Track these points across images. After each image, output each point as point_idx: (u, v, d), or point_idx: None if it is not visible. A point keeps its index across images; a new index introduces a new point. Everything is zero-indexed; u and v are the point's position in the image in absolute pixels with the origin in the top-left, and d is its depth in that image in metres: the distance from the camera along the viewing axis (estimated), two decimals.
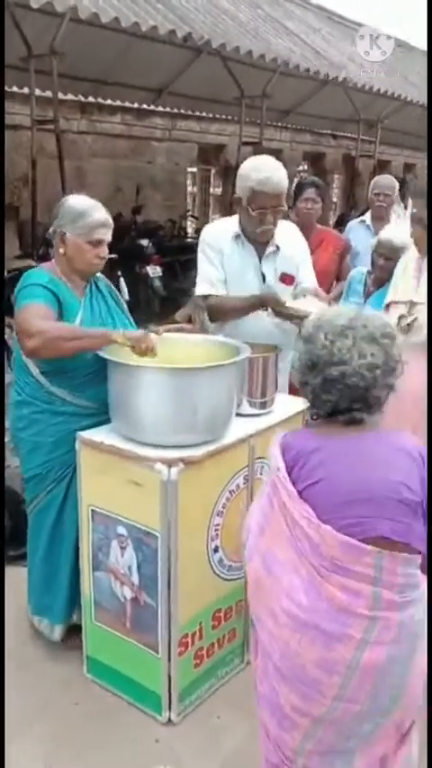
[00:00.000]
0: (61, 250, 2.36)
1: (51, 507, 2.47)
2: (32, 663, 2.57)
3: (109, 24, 5.55)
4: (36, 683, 2.47)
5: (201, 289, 2.78)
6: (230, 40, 6.75)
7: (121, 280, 6.63)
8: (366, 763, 1.53)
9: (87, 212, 2.32)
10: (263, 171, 2.57)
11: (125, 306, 2.62)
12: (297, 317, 2.53)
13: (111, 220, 2.38)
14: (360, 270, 3.28)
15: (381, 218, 4.24)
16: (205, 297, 2.77)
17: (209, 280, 2.76)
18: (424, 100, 10.03)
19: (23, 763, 2.12)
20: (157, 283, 7.44)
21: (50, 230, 2.40)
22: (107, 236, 2.36)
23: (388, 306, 2.39)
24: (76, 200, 2.37)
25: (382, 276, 2.95)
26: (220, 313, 2.75)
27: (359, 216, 5.06)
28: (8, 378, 3.72)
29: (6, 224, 7.88)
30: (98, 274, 2.51)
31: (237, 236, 2.74)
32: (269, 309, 2.63)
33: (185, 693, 2.31)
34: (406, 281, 2.38)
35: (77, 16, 5.41)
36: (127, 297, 6.66)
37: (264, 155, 2.78)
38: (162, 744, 2.23)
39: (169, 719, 2.29)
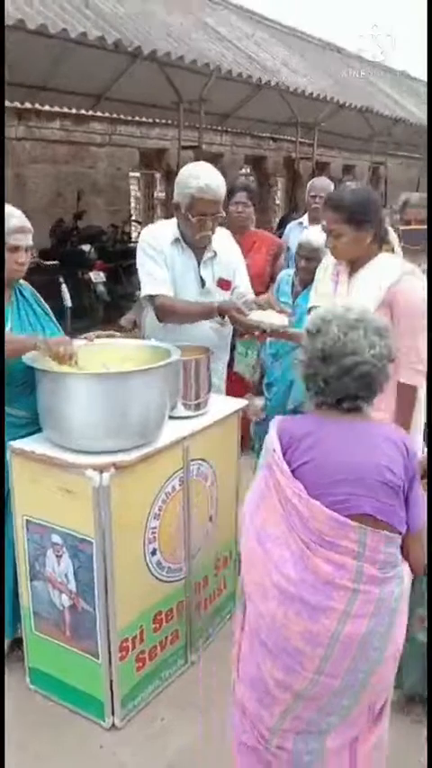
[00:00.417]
0: None
1: None
2: None
3: (36, 30, 5.49)
4: None
5: (147, 289, 2.72)
6: (162, 46, 6.78)
7: (63, 286, 6.56)
8: (339, 744, 1.61)
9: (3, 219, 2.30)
10: (202, 178, 2.60)
11: (51, 312, 2.61)
12: (257, 329, 2.54)
13: (29, 226, 2.36)
14: (287, 272, 3.35)
15: (317, 220, 4.32)
16: (152, 297, 2.72)
17: (155, 279, 2.71)
18: (358, 102, 10.27)
19: None
20: (101, 288, 7.40)
21: None
22: (25, 241, 2.34)
23: (310, 310, 2.44)
24: None
25: (305, 277, 3.03)
26: (171, 314, 2.70)
27: (299, 218, 5.16)
28: None
29: None
30: (21, 281, 2.49)
31: (176, 241, 2.76)
32: (225, 318, 2.62)
33: (128, 698, 2.31)
34: (324, 284, 2.44)
35: None
36: (69, 303, 6.61)
37: (201, 161, 2.81)
38: (106, 749, 2.23)
39: (113, 725, 2.29)
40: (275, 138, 12.96)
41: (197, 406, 2.50)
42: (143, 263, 2.75)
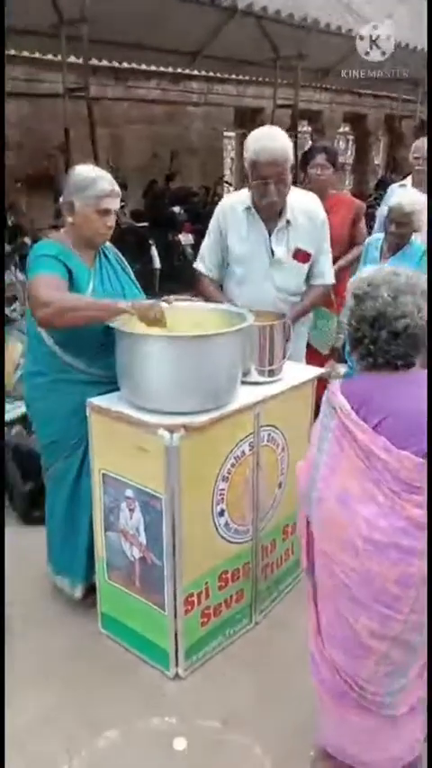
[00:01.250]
0: (70, 219, 2.40)
1: (69, 473, 2.56)
2: (53, 617, 2.70)
3: None
4: (54, 636, 2.60)
5: (197, 264, 3.00)
6: (258, 0, 6.57)
7: (153, 248, 6.64)
8: (415, 674, 1.70)
9: (94, 182, 2.34)
10: (261, 140, 2.56)
11: (133, 274, 2.66)
12: None
13: (118, 189, 2.40)
14: (377, 236, 3.24)
15: (421, 183, 4.12)
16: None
17: (203, 258, 2.97)
18: None
19: (37, 709, 2.25)
20: (189, 251, 7.44)
21: (61, 200, 2.44)
22: (114, 205, 2.39)
23: None
24: (84, 170, 2.40)
25: (395, 242, 2.92)
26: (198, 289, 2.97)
27: (401, 180, 4.91)
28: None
29: (43, 193, 7.98)
30: (107, 243, 2.55)
31: (247, 209, 2.74)
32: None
33: (192, 650, 2.40)
34: None
35: None
36: (158, 265, 6.70)
37: (271, 125, 2.76)
38: (168, 697, 2.33)
39: (177, 675, 2.39)
40: (377, 94, 12.42)
41: (270, 372, 2.50)
42: (207, 234, 2.93)
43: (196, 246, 7.62)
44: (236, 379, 2.30)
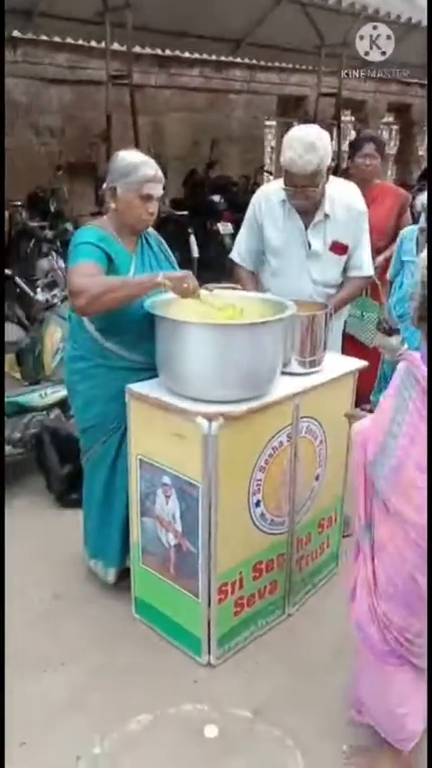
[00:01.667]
0: (113, 205, 2.39)
1: (107, 457, 2.58)
2: (86, 600, 2.73)
3: None
4: (88, 618, 2.63)
5: (233, 253, 2.99)
6: None
7: (192, 237, 6.63)
8: None
9: (138, 167, 2.33)
10: (293, 149, 2.51)
11: (174, 260, 2.65)
12: None
13: (161, 175, 2.39)
14: (412, 228, 3.15)
15: None
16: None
17: (239, 249, 2.96)
18: None
19: (68, 690, 2.28)
20: (228, 240, 7.40)
21: (104, 186, 2.44)
22: (157, 191, 2.38)
23: None
24: (127, 156, 2.38)
25: None
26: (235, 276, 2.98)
27: None
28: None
29: (84, 180, 8.03)
30: (149, 229, 2.54)
31: (283, 201, 2.71)
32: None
33: (225, 639, 2.40)
34: None
35: None
36: (196, 254, 6.69)
37: (310, 127, 2.68)
38: (200, 684, 2.34)
39: (208, 662, 2.39)
40: (423, 83, 12.13)
41: (311, 363, 2.47)
42: (243, 224, 2.92)
43: (235, 236, 7.54)
44: (276, 370, 2.28)
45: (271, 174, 10.25)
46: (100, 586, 2.77)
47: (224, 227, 7.36)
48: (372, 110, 11.71)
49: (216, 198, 7.77)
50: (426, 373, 1.66)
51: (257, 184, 9.41)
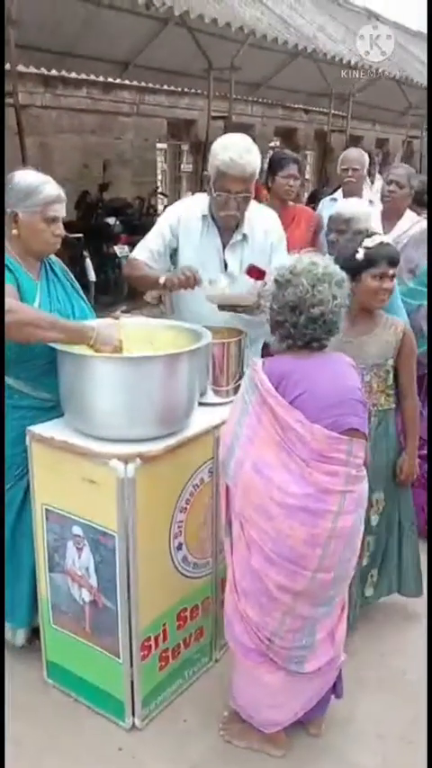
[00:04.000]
0: (14, 231, 2.16)
1: (11, 506, 2.33)
2: None
3: None
4: None
5: (135, 251, 2.69)
6: (193, 7, 6.47)
7: (87, 261, 6.41)
8: (324, 634, 1.94)
9: (39, 188, 2.13)
10: (230, 150, 2.38)
11: (79, 288, 2.46)
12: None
13: (64, 195, 2.20)
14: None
15: (351, 194, 4.09)
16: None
17: (148, 248, 2.64)
18: (395, 72, 9.86)
19: None
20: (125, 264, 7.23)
21: None
22: (62, 212, 2.19)
23: None
24: (25, 176, 2.17)
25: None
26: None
27: (332, 193, 4.91)
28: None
29: None
30: (51, 256, 2.34)
31: (204, 217, 2.58)
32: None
33: (150, 698, 2.20)
34: None
35: None
36: (93, 277, 6.46)
37: (239, 133, 2.59)
38: (125, 751, 2.12)
39: (133, 725, 2.18)
40: (307, 109, 12.59)
41: (228, 393, 2.35)
42: (151, 230, 2.68)
43: None
44: (193, 402, 2.13)
45: (166, 196, 10.20)
46: (9, 650, 2.48)
47: (121, 250, 7.17)
48: (260, 134, 11.95)
49: (111, 220, 7.57)
50: (264, 379, 1.81)
51: (153, 207, 9.32)
